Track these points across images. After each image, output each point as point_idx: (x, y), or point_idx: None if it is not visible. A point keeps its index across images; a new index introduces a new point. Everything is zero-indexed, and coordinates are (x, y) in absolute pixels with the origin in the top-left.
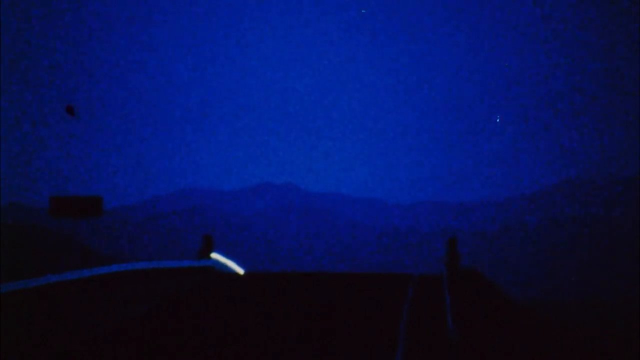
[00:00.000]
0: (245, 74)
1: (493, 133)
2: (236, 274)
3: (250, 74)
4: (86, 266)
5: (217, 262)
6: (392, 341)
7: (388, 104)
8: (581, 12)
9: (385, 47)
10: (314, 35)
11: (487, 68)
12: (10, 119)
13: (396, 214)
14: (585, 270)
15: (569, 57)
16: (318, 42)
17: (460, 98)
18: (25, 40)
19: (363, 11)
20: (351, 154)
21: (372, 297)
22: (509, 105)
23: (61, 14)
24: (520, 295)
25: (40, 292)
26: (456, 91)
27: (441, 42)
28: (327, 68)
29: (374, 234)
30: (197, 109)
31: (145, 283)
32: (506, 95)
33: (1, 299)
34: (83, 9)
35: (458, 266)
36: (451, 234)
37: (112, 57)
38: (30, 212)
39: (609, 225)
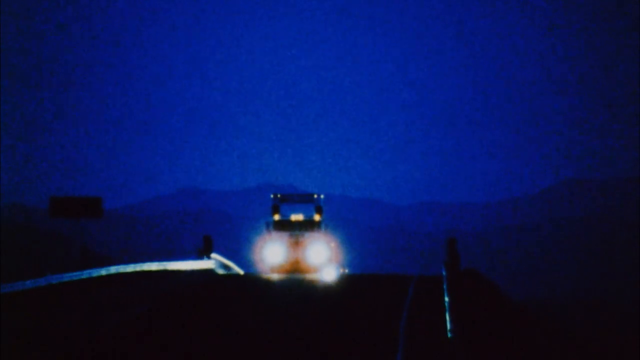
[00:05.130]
0: (246, 74)
1: (493, 133)
2: (236, 275)
3: (251, 74)
4: (86, 266)
5: (217, 262)
6: (392, 341)
7: (388, 104)
8: (580, 12)
9: (386, 47)
10: (314, 35)
11: (487, 68)
12: (10, 119)
13: (396, 214)
14: (585, 270)
15: (568, 57)
16: (319, 43)
17: (460, 98)
18: (25, 39)
19: None
20: (351, 154)
21: (372, 297)
22: (508, 105)
23: (61, 14)
24: (520, 295)
25: (39, 293)
26: (456, 91)
27: (441, 42)
28: (327, 68)
29: (373, 235)
30: (197, 109)
31: (145, 283)
32: (506, 95)
33: (1, 299)
34: (83, 9)
35: (458, 267)
36: (451, 235)
37: (112, 56)
38: (30, 212)
39: (609, 225)
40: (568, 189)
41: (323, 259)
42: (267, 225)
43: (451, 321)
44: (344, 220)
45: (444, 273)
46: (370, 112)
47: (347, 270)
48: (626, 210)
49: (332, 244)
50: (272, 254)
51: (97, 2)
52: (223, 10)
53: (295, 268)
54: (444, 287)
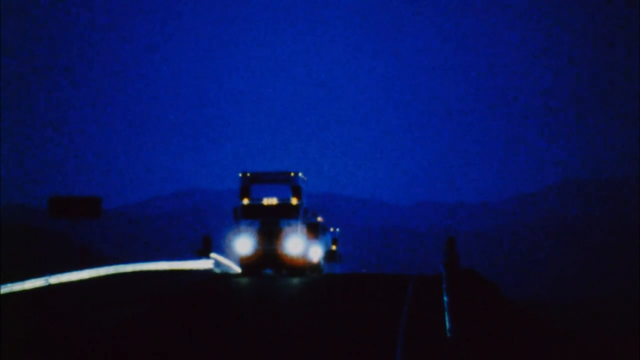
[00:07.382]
0: (245, 74)
1: (493, 133)
2: (235, 275)
3: (250, 74)
4: (86, 266)
5: (216, 262)
6: (391, 341)
7: (387, 103)
8: (580, 11)
9: (385, 46)
10: (313, 35)
11: (486, 67)
12: (11, 119)
13: (396, 214)
14: (585, 270)
15: (568, 57)
16: (317, 42)
17: (459, 97)
18: (25, 39)
19: None
20: (351, 153)
21: (371, 297)
22: (509, 105)
23: (61, 14)
24: (519, 295)
25: (39, 293)
26: (456, 91)
27: (440, 41)
28: (326, 68)
29: (373, 234)
30: (198, 108)
31: (145, 283)
32: (505, 94)
33: (1, 299)
34: (84, 9)
35: (457, 266)
36: (450, 234)
37: (112, 56)
38: (29, 212)
39: (609, 225)
40: (568, 189)
41: (300, 250)
42: (236, 212)
43: (450, 321)
44: (344, 220)
45: (442, 273)
46: (370, 111)
47: (336, 246)
48: (626, 210)
49: (314, 230)
50: (240, 245)
51: (99, 3)
52: (224, 11)
53: (269, 260)
54: (443, 286)
